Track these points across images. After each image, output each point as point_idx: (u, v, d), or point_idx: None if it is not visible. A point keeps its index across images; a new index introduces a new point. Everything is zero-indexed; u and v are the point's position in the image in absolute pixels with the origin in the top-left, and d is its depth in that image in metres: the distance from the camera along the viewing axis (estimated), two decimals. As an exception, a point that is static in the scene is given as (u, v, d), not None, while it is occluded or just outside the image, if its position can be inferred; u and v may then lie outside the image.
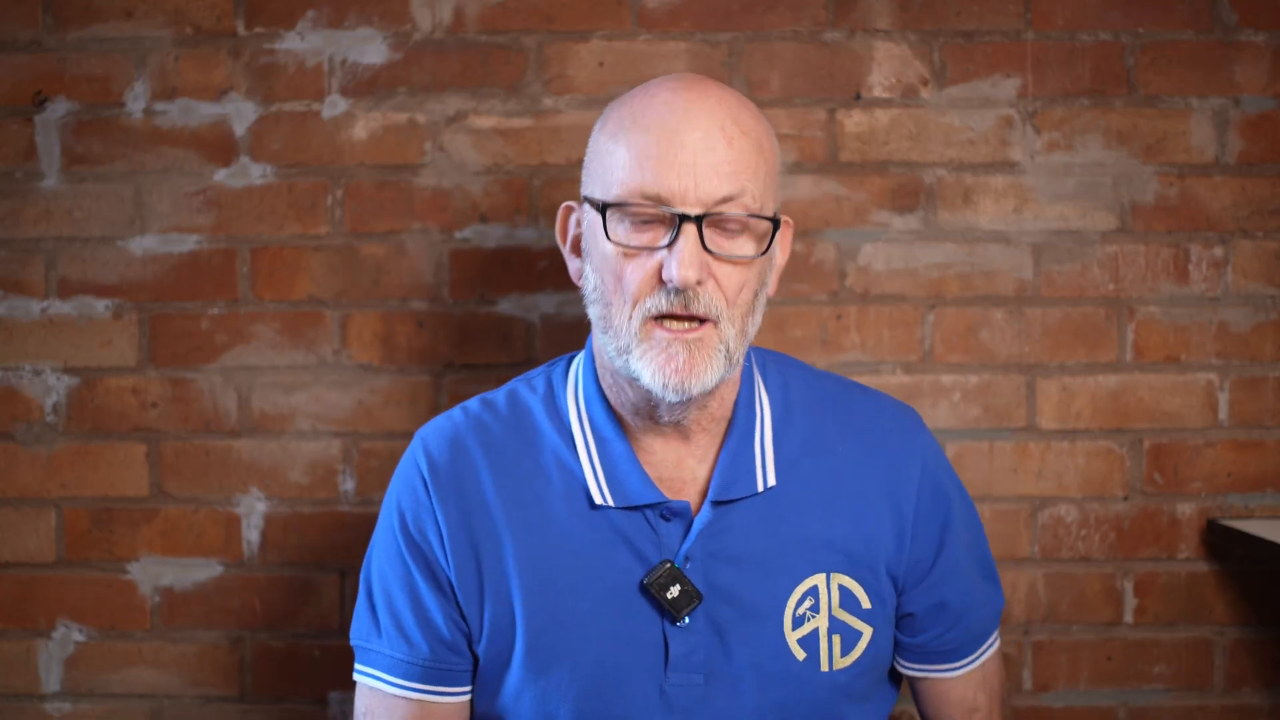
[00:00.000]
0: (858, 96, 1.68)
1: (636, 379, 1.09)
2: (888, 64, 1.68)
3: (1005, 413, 1.69)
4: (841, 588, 1.17)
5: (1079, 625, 1.70)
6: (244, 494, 1.69)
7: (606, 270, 1.10)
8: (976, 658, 1.26)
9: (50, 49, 1.67)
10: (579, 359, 1.24)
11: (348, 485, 1.69)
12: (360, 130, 1.68)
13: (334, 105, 1.68)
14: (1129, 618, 1.70)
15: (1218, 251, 1.68)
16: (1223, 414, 1.69)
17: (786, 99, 1.68)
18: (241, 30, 1.68)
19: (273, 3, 1.67)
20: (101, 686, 1.70)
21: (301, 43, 1.68)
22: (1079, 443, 1.69)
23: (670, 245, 1.06)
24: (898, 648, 1.24)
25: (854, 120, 1.68)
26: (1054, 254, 1.68)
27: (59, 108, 1.68)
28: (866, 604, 1.18)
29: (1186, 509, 1.69)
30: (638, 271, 1.08)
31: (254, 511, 1.69)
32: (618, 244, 1.08)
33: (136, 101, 1.68)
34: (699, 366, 1.08)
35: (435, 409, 1.66)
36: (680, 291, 1.06)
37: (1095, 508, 1.69)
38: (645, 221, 1.08)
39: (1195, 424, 1.69)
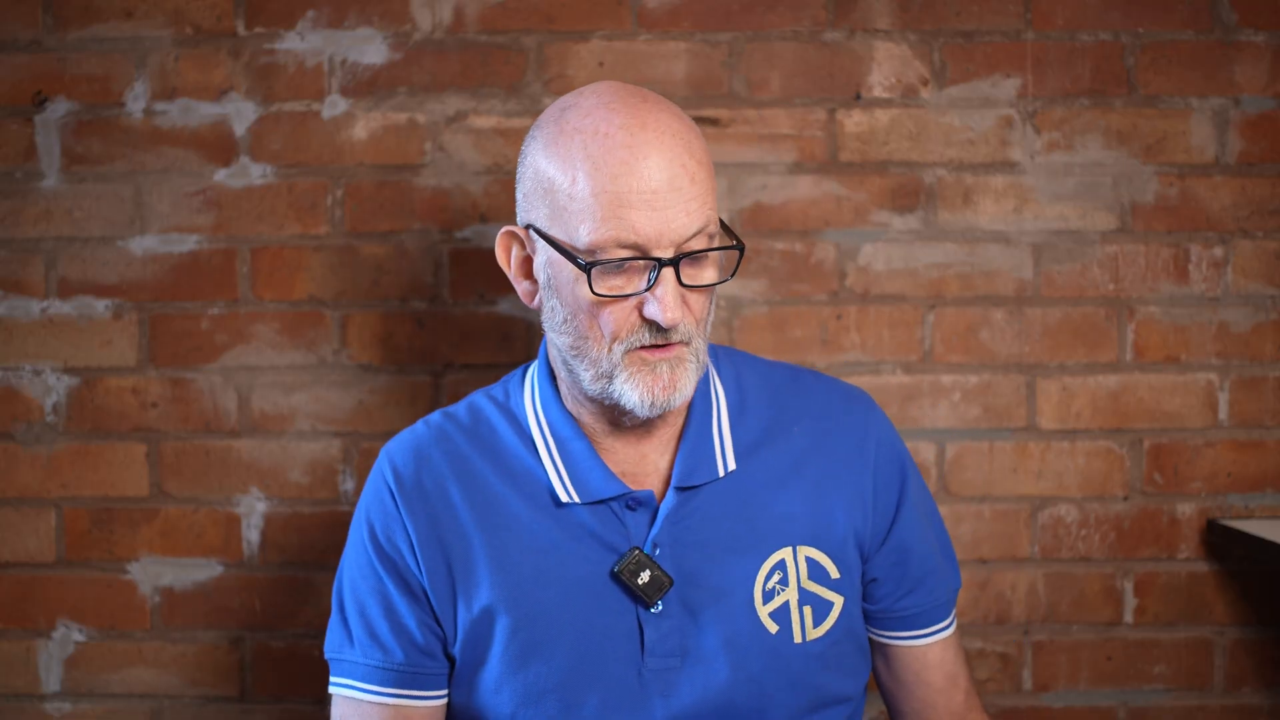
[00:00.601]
0: (858, 96, 1.68)
1: (619, 402, 1.13)
2: (888, 64, 1.68)
3: (1005, 413, 1.69)
4: (809, 559, 1.20)
5: (1079, 625, 1.70)
6: (244, 494, 1.69)
7: (581, 311, 1.13)
8: (945, 627, 1.29)
9: (50, 49, 1.67)
10: (533, 367, 1.27)
11: (348, 485, 1.69)
12: (360, 130, 1.68)
13: (334, 105, 1.68)
14: (1129, 618, 1.70)
15: (1218, 251, 1.68)
16: (1223, 414, 1.69)
17: (786, 99, 1.68)
18: (241, 30, 1.68)
19: (273, 3, 1.67)
20: (101, 686, 1.70)
21: (301, 43, 1.68)
22: (1079, 443, 1.69)
23: (651, 289, 1.09)
24: (868, 617, 1.28)
25: (854, 120, 1.68)
26: (1054, 254, 1.68)
27: (59, 108, 1.68)
28: (835, 574, 1.21)
29: (1186, 509, 1.69)
30: (617, 313, 1.11)
31: (254, 511, 1.69)
32: (600, 295, 1.10)
33: (136, 101, 1.68)
34: (680, 381, 1.13)
35: (435, 409, 1.66)
36: (663, 329, 1.10)
37: (1095, 508, 1.69)
38: (619, 267, 1.10)
39: (1195, 424, 1.69)
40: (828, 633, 1.21)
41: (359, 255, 1.69)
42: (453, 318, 1.69)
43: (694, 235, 1.10)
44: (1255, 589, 1.70)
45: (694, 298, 1.12)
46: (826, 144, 1.68)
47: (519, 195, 1.17)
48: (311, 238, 1.69)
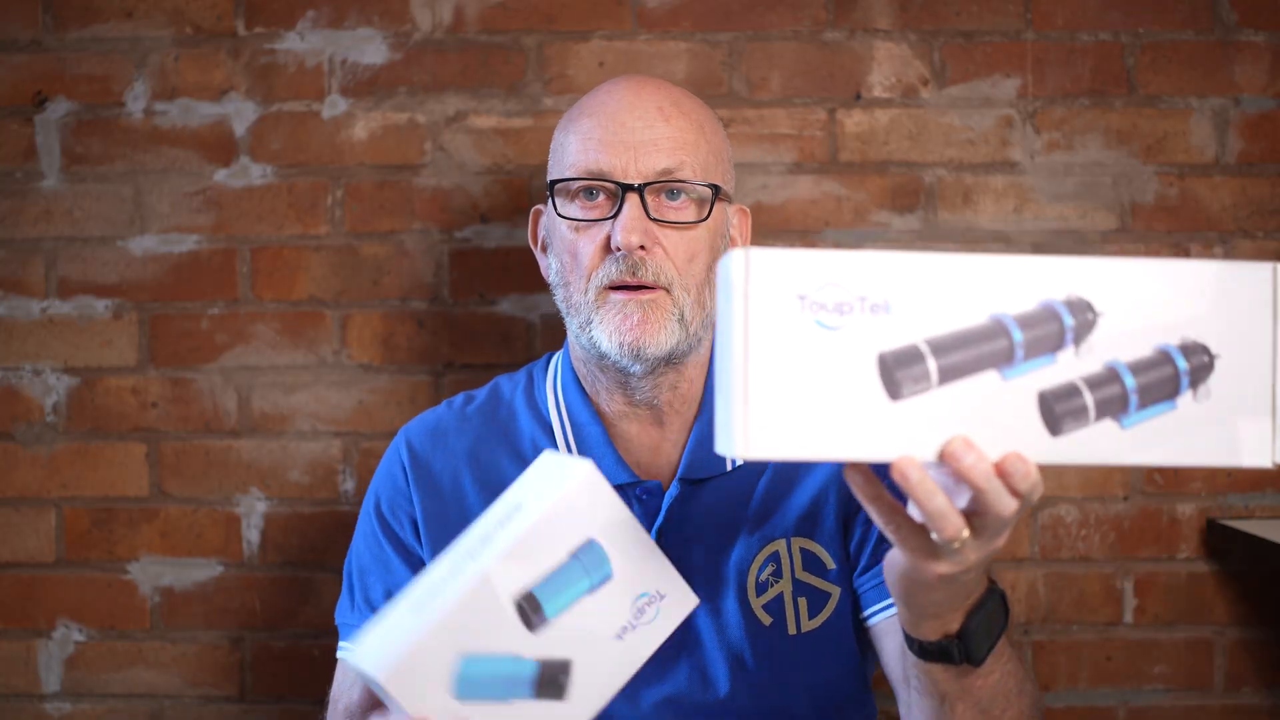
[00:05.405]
0: (858, 96, 1.68)
1: (597, 347, 1.15)
2: (888, 64, 1.68)
3: (1005, 413, 1.69)
4: (804, 551, 1.20)
5: (1079, 625, 1.70)
6: (244, 494, 1.69)
7: (563, 249, 1.17)
8: None
9: (50, 49, 1.67)
10: (558, 355, 1.31)
11: (348, 485, 1.69)
12: (360, 130, 1.68)
13: (334, 105, 1.68)
14: (1129, 618, 1.70)
15: (1218, 251, 1.68)
16: (1223, 414, 1.68)
17: (786, 99, 1.68)
18: (241, 30, 1.68)
19: (273, 3, 1.67)
20: (101, 686, 1.70)
21: (301, 43, 1.68)
22: (1079, 443, 1.69)
23: (616, 216, 1.13)
24: (859, 599, 1.22)
25: (854, 120, 1.68)
26: (1054, 254, 1.68)
27: (59, 108, 1.68)
28: (831, 565, 1.21)
29: (1186, 509, 1.69)
30: (589, 245, 1.15)
31: (254, 511, 1.69)
32: (568, 219, 1.15)
33: (136, 101, 1.68)
34: (652, 326, 1.13)
35: (435, 409, 1.67)
36: (628, 257, 1.12)
37: (1095, 508, 1.69)
38: (592, 198, 1.15)
39: (1195, 424, 1.69)
40: (825, 624, 1.21)
41: (359, 255, 1.69)
42: (453, 318, 1.69)
43: (665, 172, 1.14)
44: (1255, 589, 1.70)
45: (671, 239, 1.14)
46: (826, 144, 1.68)
47: (546, 174, 1.26)
48: (311, 238, 1.69)
